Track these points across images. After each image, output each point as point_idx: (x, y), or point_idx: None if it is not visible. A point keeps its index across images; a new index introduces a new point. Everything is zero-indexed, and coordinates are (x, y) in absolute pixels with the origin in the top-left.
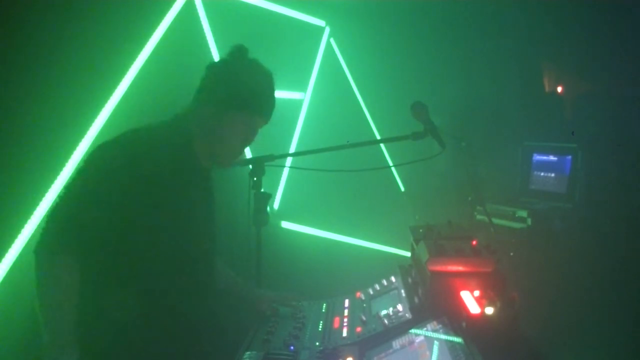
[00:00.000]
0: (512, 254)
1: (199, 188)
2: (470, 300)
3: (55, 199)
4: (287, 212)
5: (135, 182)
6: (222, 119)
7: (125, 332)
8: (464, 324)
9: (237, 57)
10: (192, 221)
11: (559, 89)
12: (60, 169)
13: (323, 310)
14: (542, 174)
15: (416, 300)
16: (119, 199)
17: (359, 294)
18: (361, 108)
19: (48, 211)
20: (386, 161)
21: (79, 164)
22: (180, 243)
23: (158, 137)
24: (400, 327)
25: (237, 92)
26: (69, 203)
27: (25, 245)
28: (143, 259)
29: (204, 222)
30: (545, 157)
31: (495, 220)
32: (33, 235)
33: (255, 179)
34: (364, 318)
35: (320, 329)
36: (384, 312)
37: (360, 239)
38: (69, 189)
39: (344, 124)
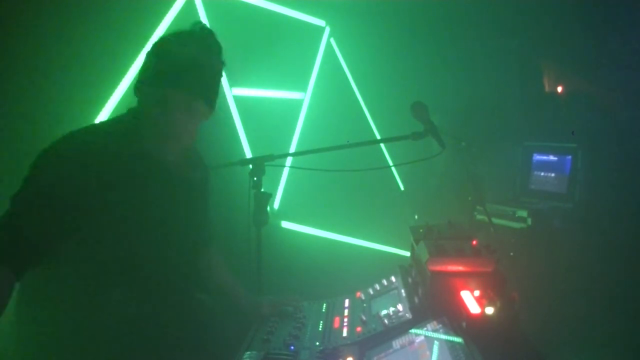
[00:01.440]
0: (512, 254)
1: (156, 179)
2: (470, 300)
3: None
4: (287, 212)
5: (77, 185)
6: (144, 99)
7: (99, 341)
8: (464, 324)
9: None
10: (151, 215)
11: (559, 89)
12: None
13: (323, 310)
14: (542, 173)
15: (416, 300)
16: (63, 204)
17: (359, 294)
18: (361, 108)
19: None
20: (386, 161)
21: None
22: (140, 242)
23: (98, 133)
24: (400, 327)
25: (144, 69)
26: (11, 211)
27: None
28: (103, 265)
29: (172, 215)
30: (545, 157)
31: (495, 220)
32: None
33: (255, 178)
34: (364, 318)
35: (320, 329)
36: (384, 312)
37: (360, 239)
38: (16, 196)
39: (344, 124)
